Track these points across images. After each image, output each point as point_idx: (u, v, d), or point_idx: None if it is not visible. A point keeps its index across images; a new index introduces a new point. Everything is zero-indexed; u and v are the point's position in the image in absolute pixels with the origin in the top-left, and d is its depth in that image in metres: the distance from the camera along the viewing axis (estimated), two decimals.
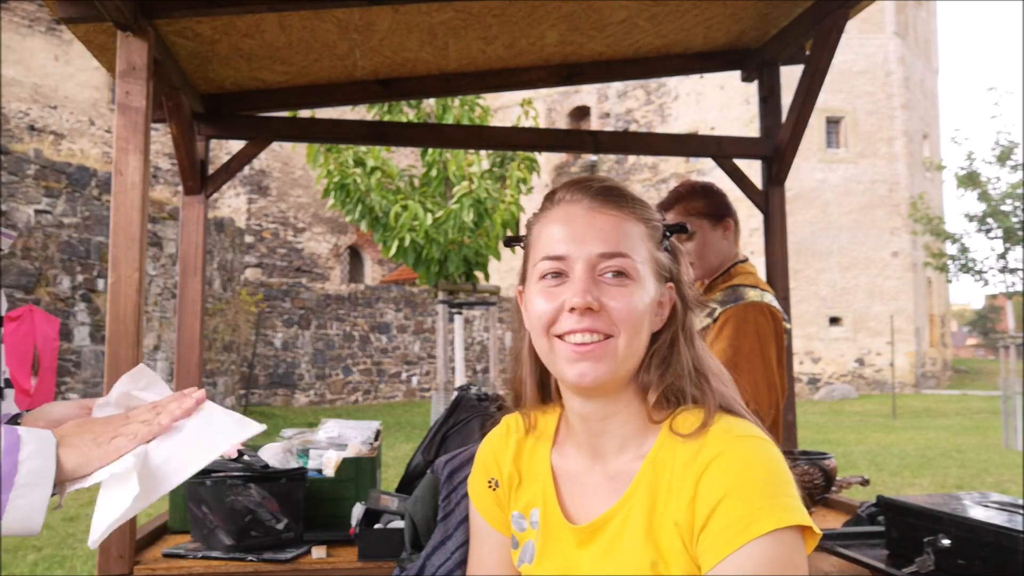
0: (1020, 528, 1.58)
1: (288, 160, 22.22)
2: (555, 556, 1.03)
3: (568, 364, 0.96)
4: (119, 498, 0.94)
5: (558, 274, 0.98)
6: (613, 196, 1.00)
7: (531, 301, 1.00)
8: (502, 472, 1.12)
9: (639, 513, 0.95)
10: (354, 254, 24.66)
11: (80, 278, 9.71)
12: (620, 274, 0.96)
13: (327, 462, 2.49)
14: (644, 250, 0.99)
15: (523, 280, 1.07)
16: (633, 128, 25.05)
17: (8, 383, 1.07)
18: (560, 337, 0.96)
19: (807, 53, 3.10)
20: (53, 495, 0.93)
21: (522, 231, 1.12)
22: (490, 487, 1.13)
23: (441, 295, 9.18)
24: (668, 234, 1.04)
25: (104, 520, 0.94)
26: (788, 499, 0.88)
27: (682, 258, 1.05)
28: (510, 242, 1.14)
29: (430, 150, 9.23)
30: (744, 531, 0.85)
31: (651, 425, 0.99)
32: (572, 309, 0.95)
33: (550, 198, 1.05)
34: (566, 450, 1.07)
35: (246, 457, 2.36)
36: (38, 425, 1.06)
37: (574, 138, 5.33)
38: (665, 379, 0.99)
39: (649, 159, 24.84)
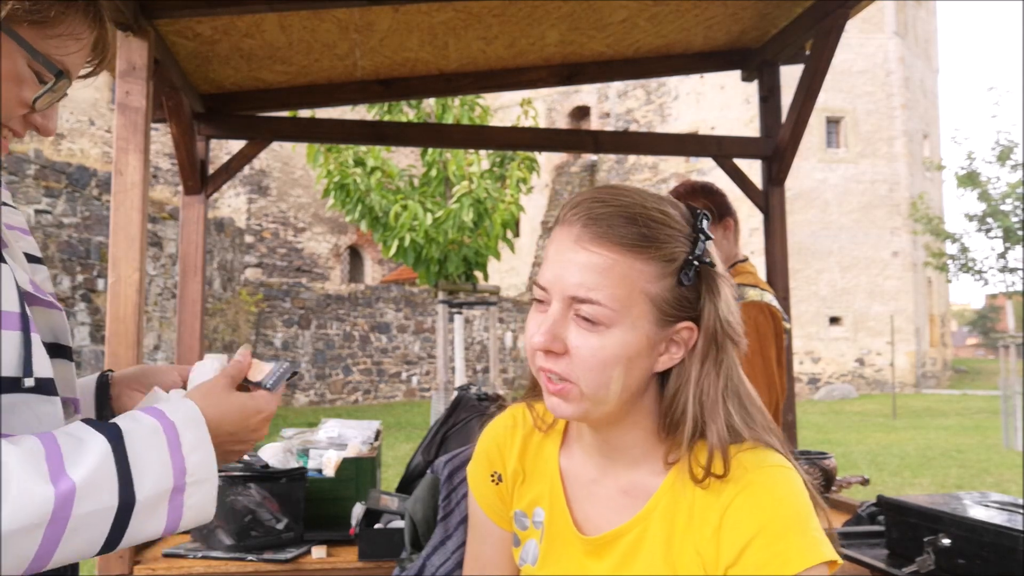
0: (1020, 528, 1.58)
1: (288, 160, 22.22)
2: (560, 561, 1.01)
3: (546, 395, 0.94)
4: None
5: (542, 300, 0.94)
6: (603, 228, 0.91)
7: (528, 319, 0.99)
8: (506, 467, 1.09)
9: (657, 534, 0.93)
10: (354, 254, 24.66)
11: (80, 278, 9.71)
12: (590, 319, 0.90)
13: (327, 462, 2.49)
14: (636, 293, 0.90)
15: None
16: (633, 128, 25.05)
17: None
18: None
19: (807, 53, 3.10)
20: None
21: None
22: (492, 481, 1.09)
23: (441, 295, 9.17)
24: (696, 263, 0.92)
25: None
26: (817, 533, 0.87)
27: (720, 286, 0.94)
28: None
29: (430, 150, 9.22)
30: (779, 570, 0.84)
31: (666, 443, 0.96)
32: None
33: (563, 208, 0.97)
34: (574, 452, 1.05)
35: (246, 457, 2.36)
36: (141, 392, 1.03)
37: (574, 138, 5.33)
38: (681, 425, 0.93)
39: (649, 159, 24.84)
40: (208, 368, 1.03)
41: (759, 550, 0.85)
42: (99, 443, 0.81)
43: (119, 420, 0.85)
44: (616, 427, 0.97)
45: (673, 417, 0.94)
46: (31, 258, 0.98)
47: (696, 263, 0.92)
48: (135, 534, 0.82)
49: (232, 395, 0.95)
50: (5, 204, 0.97)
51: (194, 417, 0.88)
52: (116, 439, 0.81)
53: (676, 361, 0.94)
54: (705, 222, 0.94)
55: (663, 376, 0.96)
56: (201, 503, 0.87)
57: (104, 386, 1.09)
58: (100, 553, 0.82)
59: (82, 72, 0.97)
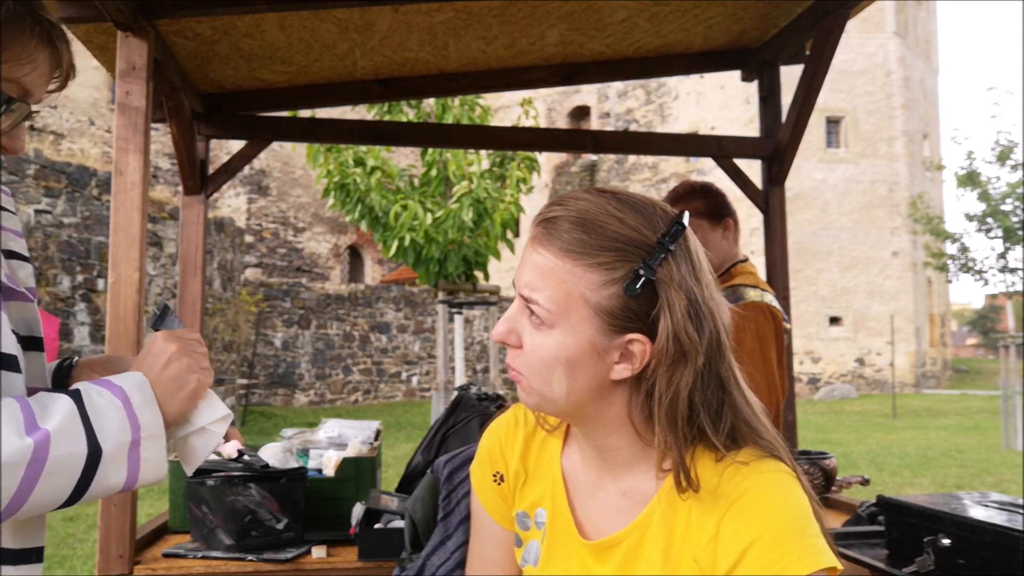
0: (1020, 528, 1.58)
1: (288, 160, 22.22)
2: (562, 562, 1.01)
3: None
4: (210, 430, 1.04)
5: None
6: (549, 231, 0.92)
7: None
8: (508, 467, 1.09)
9: (656, 540, 0.93)
10: (354, 254, 24.66)
11: (80, 278, 9.71)
12: (536, 316, 0.93)
13: (327, 462, 2.49)
14: (575, 298, 0.90)
15: None
16: (633, 128, 25.04)
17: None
18: None
19: (807, 53, 3.10)
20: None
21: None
22: (495, 481, 1.10)
23: (441, 295, 9.17)
24: (643, 276, 0.89)
25: (203, 449, 1.04)
26: (816, 539, 0.86)
27: (675, 301, 0.89)
28: None
29: (430, 150, 9.22)
30: None
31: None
32: None
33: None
34: (574, 453, 1.05)
35: (246, 457, 2.36)
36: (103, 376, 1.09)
37: (574, 138, 5.33)
38: (673, 437, 0.90)
39: (649, 159, 24.84)
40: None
41: (756, 558, 0.85)
42: (64, 400, 0.90)
43: (74, 387, 0.95)
44: (595, 429, 0.97)
45: (651, 426, 0.93)
46: (17, 255, 1.03)
47: (643, 275, 0.89)
48: (101, 484, 0.91)
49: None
50: (3, 209, 1.03)
51: (139, 381, 0.98)
52: (77, 398, 0.91)
53: (632, 372, 0.91)
54: (675, 233, 0.91)
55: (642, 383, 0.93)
56: (155, 457, 0.96)
57: (63, 369, 1.13)
58: (66, 504, 0.90)
59: (50, 87, 1.01)
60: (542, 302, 0.91)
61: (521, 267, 0.94)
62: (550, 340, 0.91)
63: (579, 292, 0.90)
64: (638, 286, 0.89)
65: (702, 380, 0.90)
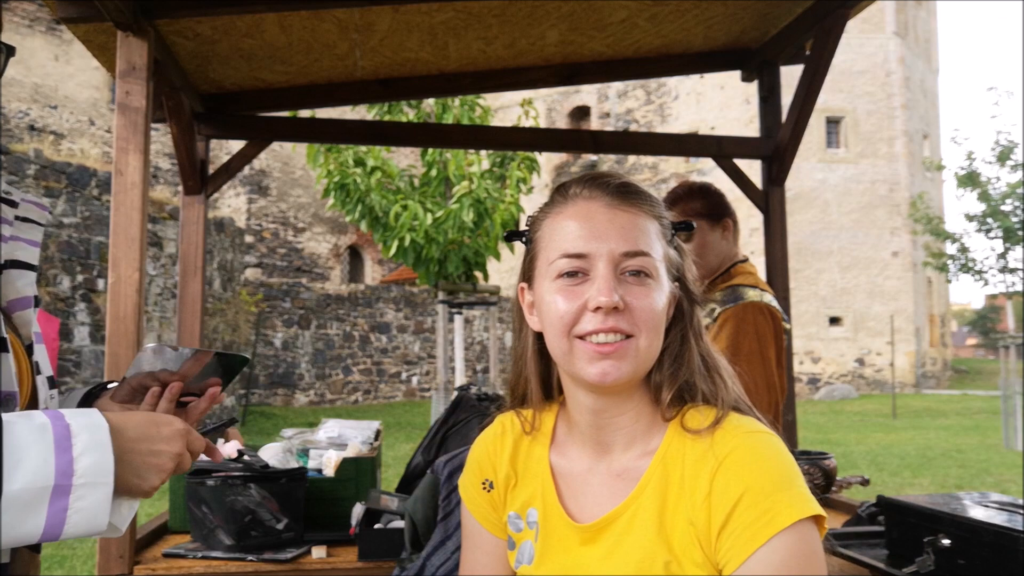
0: (1020, 528, 1.58)
1: (288, 160, 22.21)
2: (557, 556, 1.02)
3: (589, 363, 0.94)
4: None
5: (576, 272, 0.96)
6: (632, 193, 1.00)
7: (547, 301, 0.98)
8: (497, 473, 1.10)
9: (649, 511, 0.95)
10: (354, 254, 24.65)
11: (80, 278, 9.70)
12: (641, 273, 0.96)
13: (327, 462, 2.49)
14: (660, 248, 0.99)
15: (526, 277, 1.04)
16: (633, 128, 25.03)
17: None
18: (581, 338, 0.95)
19: (807, 53, 3.10)
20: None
21: (523, 227, 1.09)
22: (484, 489, 1.11)
23: (441, 295, 9.17)
24: (674, 231, 1.04)
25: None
26: (802, 490, 0.90)
27: (686, 254, 1.05)
28: (511, 237, 1.10)
29: (430, 150, 9.22)
30: (768, 525, 0.87)
31: (659, 422, 0.99)
32: (597, 308, 0.93)
33: (562, 193, 1.03)
34: (566, 449, 1.06)
35: (246, 457, 2.36)
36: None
37: (574, 138, 5.33)
38: (678, 377, 0.99)
39: (649, 159, 24.83)
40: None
41: (747, 508, 0.88)
42: None
43: (8, 415, 0.82)
44: (620, 401, 0.99)
45: (659, 380, 0.99)
46: (22, 264, 1.01)
47: (675, 229, 1.03)
48: (7, 531, 0.77)
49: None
50: (20, 219, 1.01)
51: (95, 422, 0.85)
52: None
53: (669, 319, 1.00)
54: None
55: None
56: (91, 508, 0.82)
57: (93, 393, 1.10)
58: None
59: None
60: (652, 252, 0.97)
61: (603, 233, 0.96)
62: (655, 294, 0.96)
63: (661, 244, 1.00)
64: (672, 235, 1.03)
65: (701, 329, 1.02)
